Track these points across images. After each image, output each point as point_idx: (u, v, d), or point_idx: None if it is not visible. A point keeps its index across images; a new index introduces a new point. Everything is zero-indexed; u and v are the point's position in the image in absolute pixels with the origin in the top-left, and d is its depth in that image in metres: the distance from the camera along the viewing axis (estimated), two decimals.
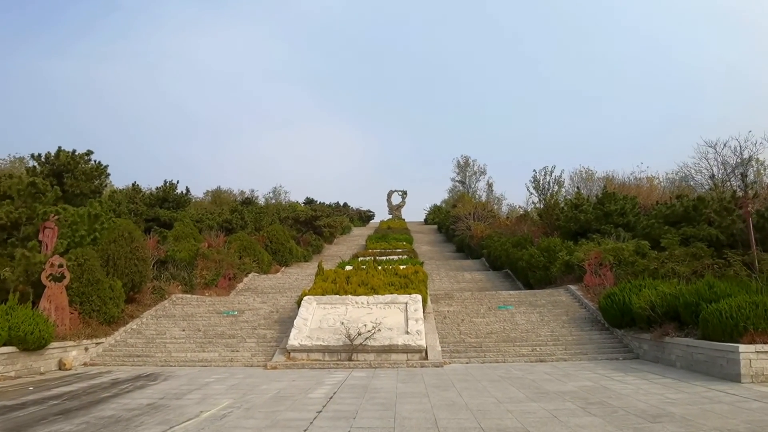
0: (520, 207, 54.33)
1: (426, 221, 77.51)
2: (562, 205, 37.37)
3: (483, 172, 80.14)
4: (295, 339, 15.12)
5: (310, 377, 12.59)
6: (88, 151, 27.01)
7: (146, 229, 32.34)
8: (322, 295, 17.78)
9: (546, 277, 25.11)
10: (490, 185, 77.84)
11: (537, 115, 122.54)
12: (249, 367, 14.98)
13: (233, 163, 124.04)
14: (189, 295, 22.16)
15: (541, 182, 41.87)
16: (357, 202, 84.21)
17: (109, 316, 17.38)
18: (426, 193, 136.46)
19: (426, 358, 14.75)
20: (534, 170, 46.61)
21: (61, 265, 16.22)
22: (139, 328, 18.27)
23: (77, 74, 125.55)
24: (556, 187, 41.34)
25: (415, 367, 14.17)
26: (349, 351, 14.75)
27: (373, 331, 14.82)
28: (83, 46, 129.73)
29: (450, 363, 14.71)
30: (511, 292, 21.83)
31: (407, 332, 15.28)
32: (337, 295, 17.63)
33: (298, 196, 79.48)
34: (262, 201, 65.48)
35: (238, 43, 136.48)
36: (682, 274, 17.65)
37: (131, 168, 55.77)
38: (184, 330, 17.98)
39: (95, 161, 27.44)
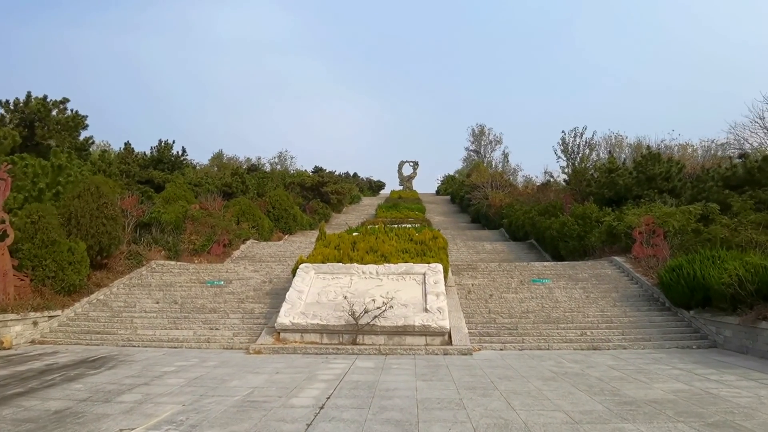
0: (536, 177, 50.73)
1: (438, 192, 74.19)
2: (592, 171, 33.97)
3: (499, 142, 76.48)
4: (286, 316, 12.12)
5: (301, 368, 9.58)
6: (64, 98, 23.94)
7: (149, 196, 29.57)
8: (323, 262, 14.72)
9: (580, 247, 21.94)
10: (506, 155, 74.29)
11: (557, 85, 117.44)
12: (228, 349, 12.04)
13: (243, 133, 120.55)
14: (172, 262, 19.24)
15: (570, 145, 38.05)
16: (367, 173, 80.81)
17: (68, 284, 14.46)
18: (437, 166, 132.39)
19: (449, 342, 11.70)
20: (563, 131, 42.63)
21: (2, 221, 13.25)
22: (107, 299, 15.38)
23: (97, 44, 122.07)
24: (587, 151, 37.55)
25: (437, 354, 11.13)
26: (354, 332, 11.74)
27: (383, 307, 11.76)
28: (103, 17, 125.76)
29: (480, 349, 11.67)
30: (545, 263, 18.68)
31: (426, 310, 12.22)
32: (341, 263, 14.57)
33: (306, 166, 76.23)
34: (267, 168, 62.29)
35: (253, 13, 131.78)
36: (763, 244, 14.37)
37: (148, 137, 52.35)
38: (158, 302, 15.07)
39: (73, 110, 24.34)
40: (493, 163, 70.87)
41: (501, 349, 11.84)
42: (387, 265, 14.23)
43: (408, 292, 13.08)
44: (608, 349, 12.01)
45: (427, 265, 14.21)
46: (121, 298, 15.55)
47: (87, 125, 24.85)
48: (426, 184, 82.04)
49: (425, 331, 11.70)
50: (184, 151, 38.53)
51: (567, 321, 13.41)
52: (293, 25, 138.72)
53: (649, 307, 14.33)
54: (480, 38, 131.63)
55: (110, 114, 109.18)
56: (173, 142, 38.18)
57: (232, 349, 12.07)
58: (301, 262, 14.75)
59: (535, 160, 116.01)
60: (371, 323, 11.63)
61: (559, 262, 18.75)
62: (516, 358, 10.79)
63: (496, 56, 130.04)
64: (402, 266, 14.15)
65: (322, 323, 11.86)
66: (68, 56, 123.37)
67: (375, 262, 14.65)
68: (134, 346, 12.42)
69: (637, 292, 15.45)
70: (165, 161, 37.24)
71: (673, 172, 26.46)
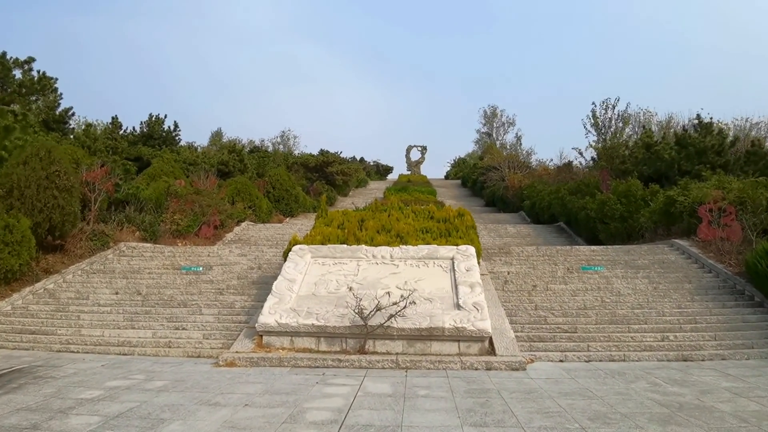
0: (551, 160, 47.22)
1: (447, 177, 70.95)
2: (623, 149, 30.59)
3: (512, 123, 73.06)
4: (271, 314, 9.07)
5: (284, 394, 6.53)
6: (29, 58, 20.82)
7: (126, 169, 26.58)
8: (323, 244, 11.65)
9: (623, 230, 18.81)
10: (519, 138, 70.81)
11: (576, 63, 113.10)
12: (192, 358, 9.02)
13: (245, 119, 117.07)
14: (146, 245, 16.24)
15: (601, 118, 34.50)
16: (374, 158, 77.47)
17: (3, 270, 11.48)
18: (445, 152, 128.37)
19: (492, 350, 8.63)
20: (593, 103, 38.84)
21: None
22: (56, 289, 12.41)
23: (106, 30, 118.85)
24: (621, 124, 34.00)
25: (476, 368, 8.06)
26: (361, 336, 8.68)
27: (402, 303, 8.68)
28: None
29: (533, 360, 8.59)
30: (593, 247, 15.50)
31: (458, 306, 9.14)
32: (345, 245, 11.47)
33: (311, 150, 72.95)
34: (270, 149, 59.07)
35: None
36: None
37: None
38: (117, 293, 12.07)
39: (40, 71, 21.24)
40: (507, 145, 67.40)
41: (561, 361, 8.76)
42: (404, 247, 11.12)
43: (432, 282, 9.99)
44: (703, 360, 8.95)
45: (454, 247, 11.10)
46: (74, 287, 12.57)
47: (56, 88, 21.76)
48: (434, 171, 78.60)
49: (458, 336, 8.62)
50: (176, 126, 35.46)
51: (639, 320, 10.30)
52: (298, 9, 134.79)
53: (735, 302, 11.22)
54: (490, 17, 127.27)
55: (113, 99, 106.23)
56: (165, 116, 35.08)
57: (198, 357, 9.05)
58: (295, 243, 11.68)
59: (549, 144, 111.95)
60: (386, 324, 8.56)
61: (609, 246, 15.59)
62: (589, 375, 7.71)
63: (508, 37, 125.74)
64: (423, 249, 11.04)
65: (318, 324, 8.80)
66: (69, 36, 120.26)
67: (388, 244, 11.57)
68: (72, 352, 9.45)
69: (714, 282, 12.31)
70: (156, 137, 34.21)
71: (726, 145, 23.16)
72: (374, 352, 8.60)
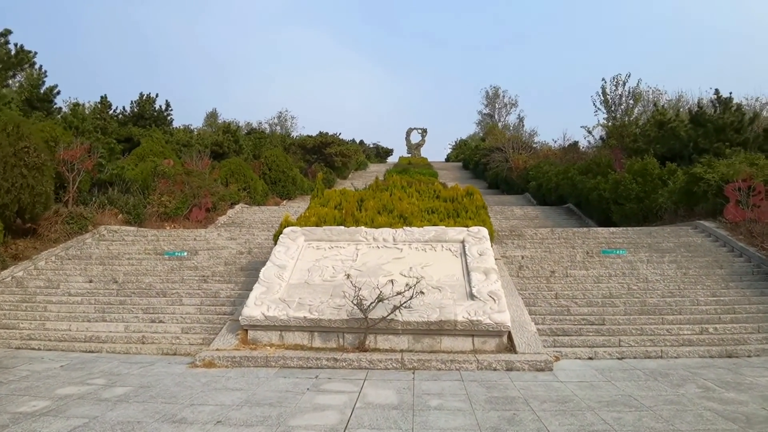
0: (554, 142, 45.83)
1: (448, 159, 69.64)
2: (634, 127, 29.28)
3: (514, 104, 71.50)
4: (257, 305, 7.93)
5: (268, 405, 5.40)
6: (5, 30, 19.41)
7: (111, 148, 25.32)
8: (317, 226, 10.47)
9: (639, 211, 17.69)
10: (521, 119, 69.30)
11: (577, 44, 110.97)
12: (168, 356, 7.90)
13: (242, 101, 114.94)
14: (129, 228, 15.07)
15: (611, 95, 33.06)
16: (374, 141, 76.03)
17: None
18: (445, 135, 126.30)
19: (511, 347, 7.51)
20: (603, 80, 37.40)
21: None
22: (25, 277, 11.27)
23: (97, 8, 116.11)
24: (632, 102, 32.57)
25: (495, 368, 6.93)
26: (361, 331, 7.55)
27: (408, 292, 7.53)
28: None
29: (559, 358, 7.47)
30: (612, 229, 14.30)
31: (471, 296, 7.99)
32: (342, 227, 10.29)
33: (310, 131, 71.23)
34: (267, 131, 57.58)
35: None
36: None
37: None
38: (91, 281, 10.92)
39: (17, 44, 19.86)
40: (510, 126, 65.92)
41: (590, 358, 7.64)
42: (408, 229, 9.93)
43: (441, 268, 8.83)
44: (749, 356, 7.87)
45: (465, 228, 9.92)
46: (45, 274, 11.43)
47: (35, 62, 20.38)
48: (434, 154, 77.37)
49: (472, 330, 7.49)
50: (168, 105, 34.02)
51: (672, 310, 9.17)
52: None
53: None
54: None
55: (103, 82, 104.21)
56: (156, 95, 33.66)
57: (174, 355, 7.93)
58: (287, 224, 10.50)
59: (551, 127, 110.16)
60: (389, 317, 7.42)
61: (629, 228, 14.41)
62: (627, 377, 6.58)
63: (511, 14, 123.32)
64: (430, 230, 9.85)
65: (312, 317, 7.65)
66: (59, 14, 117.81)
67: (391, 226, 10.39)
68: (33, 349, 8.34)
69: (747, 267, 11.17)
70: (147, 117, 32.81)
71: (745, 122, 21.86)
72: (376, 349, 7.47)
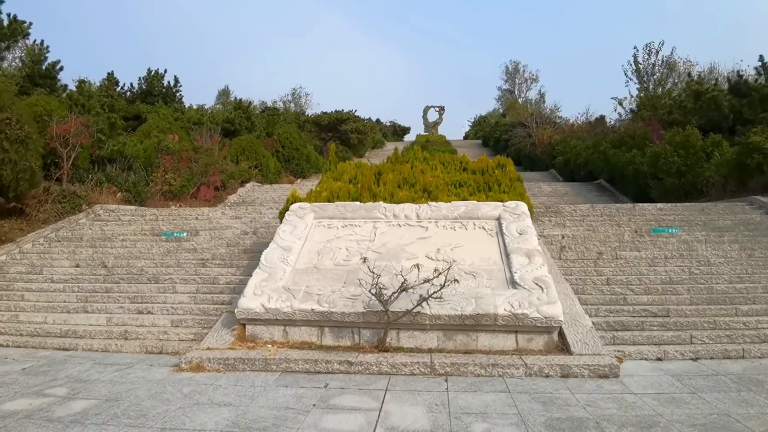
0: (580, 115, 43.68)
1: (466, 137, 67.69)
2: (666, 98, 27.34)
3: (535, 80, 68.95)
4: (257, 294, 6.65)
5: (262, 428, 4.12)
6: None
7: (125, 128, 24.34)
8: (329, 201, 9.14)
9: (680, 186, 16.09)
10: (542, 94, 66.83)
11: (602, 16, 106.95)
12: (152, 354, 6.69)
13: (257, 81, 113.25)
14: (127, 207, 13.92)
15: (643, 65, 30.97)
16: (390, 119, 74.18)
17: None
18: (462, 113, 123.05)
19: (563, 347, 6.15)
20: (634, 48, 34.92)
21: None
22: (7, 261, 10.16)
23: None
24: (666, 71, 30.49)
25: (548, 374, 5.58)
26: (380, 326, 6.23)
27: (438, 278, 6.15)
28: None
29: (621, 360, 6.08)
30: (659, 205, 12.70)
31: (513, 283, 6.62)
32: (358, 202, 8.95)
33: (325, 109, 69.70)
34: (281, 108, 56.15)
35: None
36: None
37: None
38: (78, 265, 9.76)
39: (10, 15, 18.65)
40: (532, 102, 63.60)
41: (659, 359, 6.24)
42: (434, 204, 8.55)
43: (474, 249, 7.46)
44: None
45: (500, 203, 8.52)
46: (29, 258, 10.30)
47: (29, 33, 19.11)
48: (452, 133, 75.28)
49: (516, 325, 6.13)
50: (177, 81, 32.81)
51: (745, 299, 7.71)
52: None
53: None
54: None
55: (111, 60, 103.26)
56: (165, 71, 32.42)
57: (159, 353, 6.70)
58: (294, 200, 9.18)
59: (571, 101, 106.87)
60: (414, 310, 6.09)
61: (678, 204, 12.85)
62: (712, 386, 5.20)
63: None
64: (460, 206, 8.46)
65: (321, 309, 6.35)
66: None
67: (413, 201, 9.02)
68: (0, 345, 7.18)
69: None
70: (155, 93, 31.64)
71: None
72: (399, 349, 6.16)
